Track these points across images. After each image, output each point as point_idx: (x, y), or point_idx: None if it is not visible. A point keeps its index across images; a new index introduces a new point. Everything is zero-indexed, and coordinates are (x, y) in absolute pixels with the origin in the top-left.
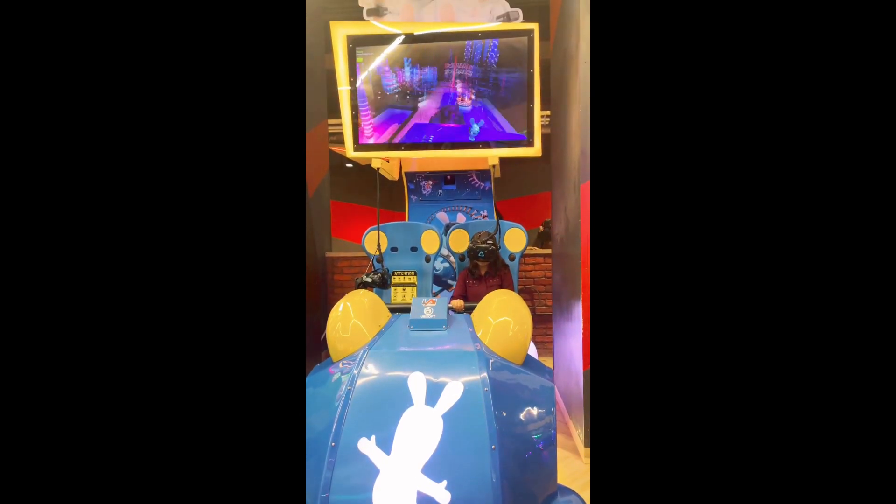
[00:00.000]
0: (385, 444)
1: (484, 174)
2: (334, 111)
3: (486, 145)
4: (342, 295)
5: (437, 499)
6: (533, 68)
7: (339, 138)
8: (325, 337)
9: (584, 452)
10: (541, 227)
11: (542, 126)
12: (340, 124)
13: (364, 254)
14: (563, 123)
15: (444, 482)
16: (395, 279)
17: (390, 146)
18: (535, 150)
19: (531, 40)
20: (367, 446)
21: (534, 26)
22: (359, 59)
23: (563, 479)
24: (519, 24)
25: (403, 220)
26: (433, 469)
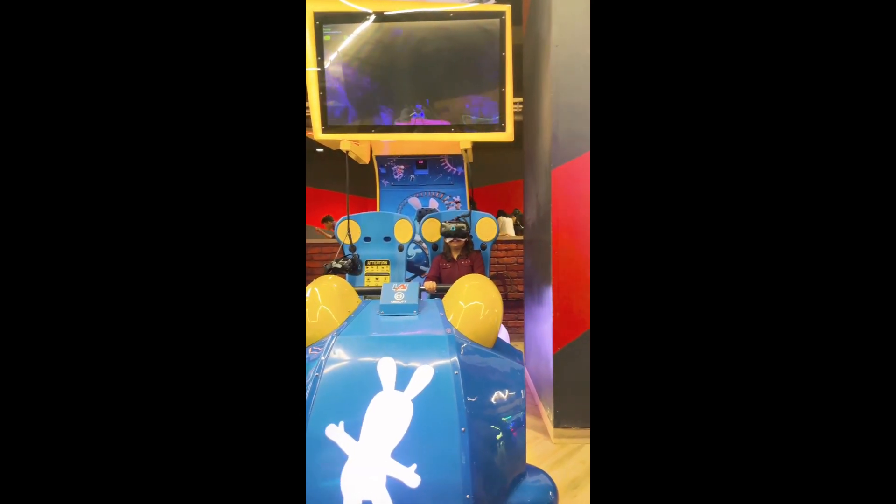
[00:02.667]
0: (354, 430)
1: (456, 159)
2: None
3: (459, 129)
4: (310, 281)
5: (407, 483)
6: (504, 51)
7: (309, 122)
8: None
9: (554, 433)
10: (512, 215)
11: (515, 114)
12: (309, 108)
13: (335, 241)
14: (535, 110)
15: (414, 465)
16: (369, 268)
17: (360, 128)
18: (508, 135)
19: (503, 22)
20: (335, 432)
21: (506, 8)
22: (326, 38)
23: (532, 459)
24: (491, 6)
25: (375, 205)
26: (403, 453)
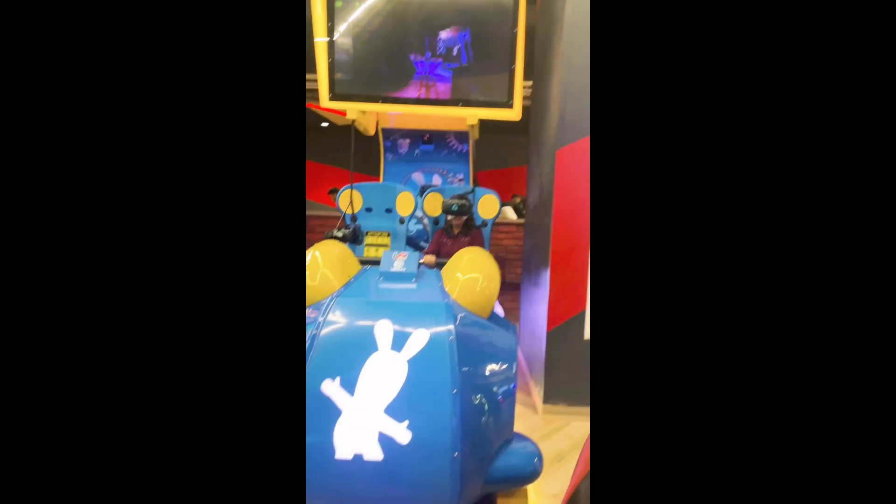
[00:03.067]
0: (349, 386)
1: (462, 136)
2: (311, 66)
3: (467, 103)
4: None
5: (398, 438)
6: (517, 28)
7: (313, 95)
8: None
9: (543, 409)
10: (515, 199)
11: (524, 98)
12: (315, 80)
13: (336, 213)
14: (544, 91)
15: (406, 422)
16: (369, 239)
17: (367, 98)
18: (515, 113)
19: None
20: (330, 387)
21: None
22: (338, 4)
23: (520, 431)
24: None
25: (378, 181)
26: (396, 410)
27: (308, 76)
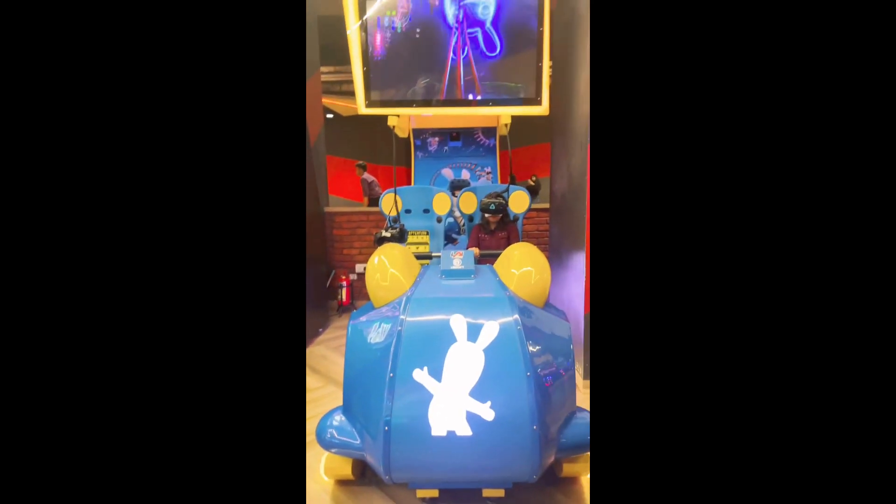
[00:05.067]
0: (436, 374)
1: (489, 131)
2: (326, 59)
3: (496, 103)
4: (340, 249)
5: (484, 416)
6: (542, 26)
7: (328, 88)
8: (329, 285)
9: (584, 384)
10: (530, 181)
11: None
12: (330, 73)
13: (362, 209)
14: (567, 80)
15: (489, 402)
16: (409, 238)
17: (400, 103)
18: (543, 109)
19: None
20: (421, 375)
21: None
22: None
23: None
24: None
25: (391, 171)
26: (479, 392)
27: (323, 69)
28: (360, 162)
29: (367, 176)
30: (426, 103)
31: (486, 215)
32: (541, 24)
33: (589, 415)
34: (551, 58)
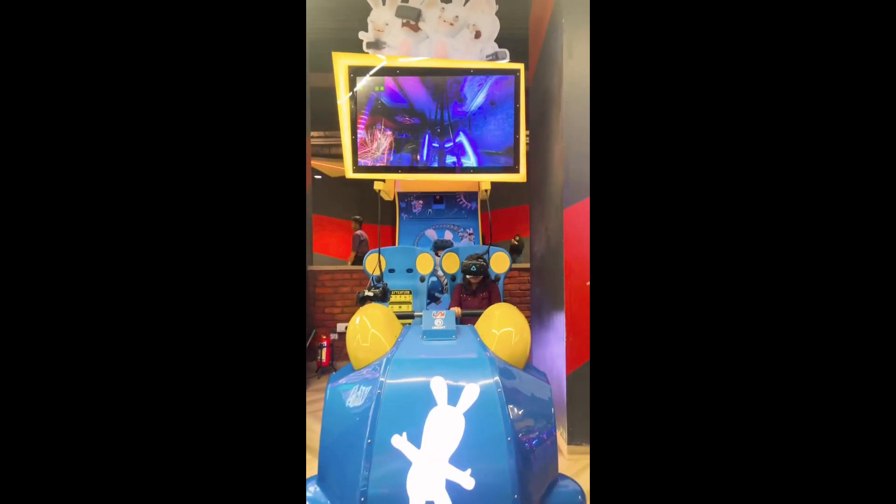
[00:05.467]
0: (415, 440)
1: (471, 195)
2: (315, 125)
3: (477, 170)
4: (322, 308)
5: (464, 485)
6: (519, 104)
7: (317, 151)
8: (309, 345)
9: (567, 450)
10: (514, 240)
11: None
12: (319, 136)
13: (345, 267)
14: (543, 150)
15: (469, 470)
16: (393, 297)
17: (386, 169)
18: (521, 176)
19: (517, 80)
20: (400, 442)
21: (520, 66)
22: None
23: None
24: (506, 65)
25: (376, 229)
26: (459, 459)
27: (312, 133)
28: (357, 217)
29: (360, 233)
30: (411, 169)
31: (468, 276)
32: (517, 102)
33: (572, 482)
34: (528, 128)
